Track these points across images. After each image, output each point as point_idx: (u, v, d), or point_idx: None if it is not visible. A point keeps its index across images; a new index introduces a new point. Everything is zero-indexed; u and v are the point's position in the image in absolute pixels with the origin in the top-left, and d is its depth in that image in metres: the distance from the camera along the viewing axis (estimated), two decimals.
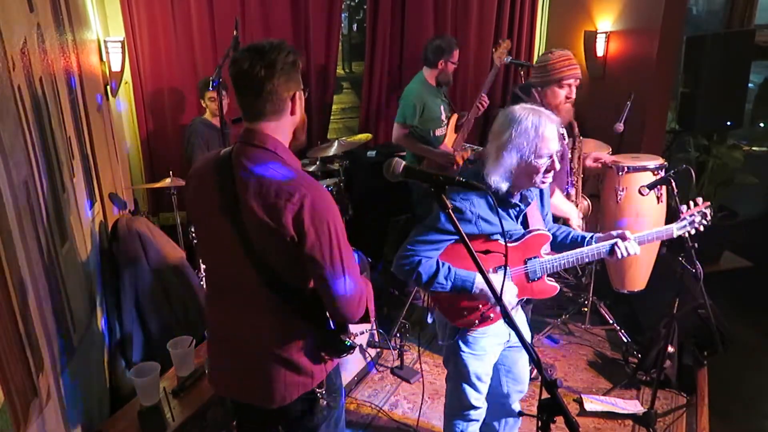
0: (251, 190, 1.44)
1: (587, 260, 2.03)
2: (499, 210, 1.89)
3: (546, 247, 1.98)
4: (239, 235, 1.47)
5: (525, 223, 1.97)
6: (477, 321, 1.98)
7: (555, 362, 3.30)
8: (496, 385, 2.28)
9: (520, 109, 1.85)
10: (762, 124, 5.08)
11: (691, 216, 2.22)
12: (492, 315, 1.97)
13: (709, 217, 2.24)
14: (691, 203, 2.26)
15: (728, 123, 4.14)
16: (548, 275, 2.01)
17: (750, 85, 4.29)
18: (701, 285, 2.61)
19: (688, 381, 3.03)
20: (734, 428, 2.91)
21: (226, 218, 1.48)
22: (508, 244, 1.90)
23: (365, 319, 1.59)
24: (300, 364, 1.59)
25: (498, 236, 1.89)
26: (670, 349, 2.93)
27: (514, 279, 1.96)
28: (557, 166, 1.82)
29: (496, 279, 1.87)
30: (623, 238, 1.99)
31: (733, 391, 3.09)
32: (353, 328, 1.68)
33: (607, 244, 2.01)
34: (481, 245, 1.89)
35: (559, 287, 2.06)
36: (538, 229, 1.93)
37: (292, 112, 1.52)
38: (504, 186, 1.85)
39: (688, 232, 2.24)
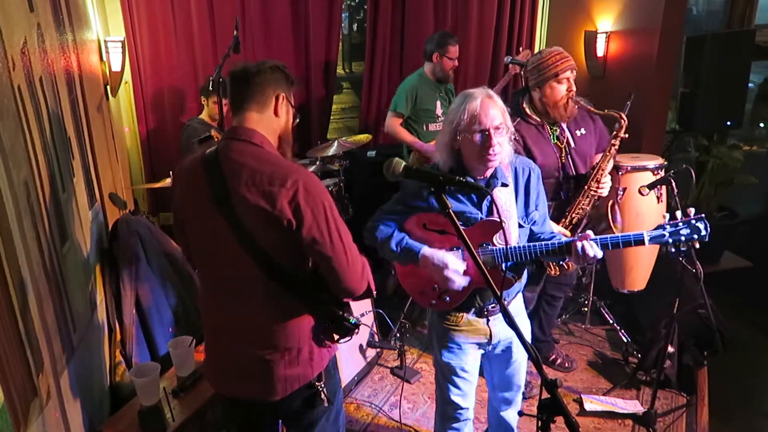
0: (243, 179, 1.48)
1: (540, 253, 1.92)
2: (458, 194, 1.93)
3: (501, 237, 1.93)
4: (232, 225, 1.50)
5: (491, 212, 1.94)
6: (433, 301, 2.01)
7: (558, 360, 3.30)
8: (490, 393, 2.29)
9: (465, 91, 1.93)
10: (762, 125, 5.09)
11: (673, 226, 1.91)
12: (448, 298, 1.98)
13: (703, 233, 1.89)
14: (678, 213, 1.93)
15: (728, 123, 4.14)
16: (507, 268, 1.98)
17: (750, 85, 4.29)
18: (701, 285, 2.61)
19: (688, 381, 3.02)
20: (734, 428, 2.91)
21: (218, 210, 1.51)
22: (462, 227, 1.90)
23: (368, 293, 1.64)
24: (299, 355, 1.62)
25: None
26: (670, 349, 2.93)
27: (468, 262, 1.93)
28: (494, 141, 1.81)
29: (451, 258, 1.89)
30: (584, 238, 1.87)
31: (733, 391, 3.09)
32: (355, 310, 1.72)
33: (563, 239, 1.93)
34: (437, 224, 1.93)
35: (516, 282, 1.98)
36: (492, 218, 1.91)
37: (276, 113, 1.60)
38: (449, 164, 1.92)
39: (672, 246, 1.94)
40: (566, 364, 3.26)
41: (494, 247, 1.93)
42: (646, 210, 3.27)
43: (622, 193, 3.26)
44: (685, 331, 3.02)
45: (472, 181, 1.89)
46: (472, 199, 1.94)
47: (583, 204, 2.74)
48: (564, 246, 1.91)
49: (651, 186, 2.74)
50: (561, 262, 2.57)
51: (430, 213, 1.93)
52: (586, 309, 3.67)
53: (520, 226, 1.99)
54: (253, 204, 1.46)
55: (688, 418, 2.85)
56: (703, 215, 1.90)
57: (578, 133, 2.78)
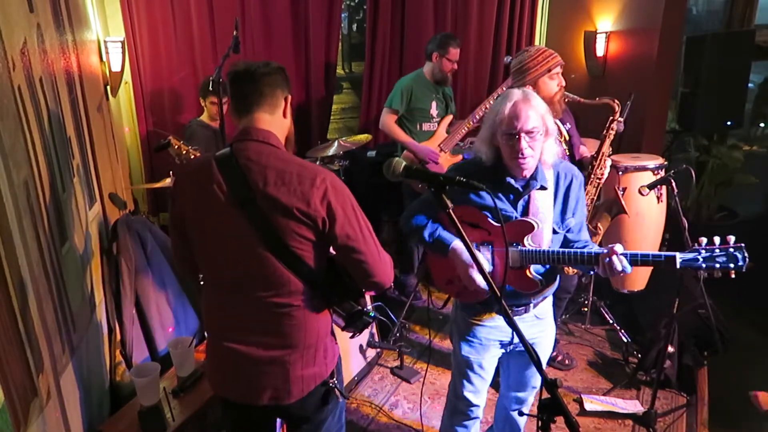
0: (271, 180, 1.47)
1: (567, 260, 1.87)
2: (498, 192, 1.91)
3: (532, 238, 1.92)
4: (256, 226, 1.48)
5: (526, 212, 1.93)
6: (456, 293, 2.02)
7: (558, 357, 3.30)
8: (502, 391, 2.30)
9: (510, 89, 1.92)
10: (762, 125, 5.09)
11: (708, 252, 1.75)
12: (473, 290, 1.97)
13: (740, 263, 1.73)
14: (717, 239, 1.75)
15: (728, 123, 4.14)
16: (533, 268, 1.95)
17: (750, 85, 4.29)
18: (701, 285, 2.61)
19: (688, 381, 3.03)
20: (734, 428, 2.91)
21: (238, 212, 1.49)
22: (494, 223, 1.90)
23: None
24: (316, 353, 1.61)
25: (488, 213, 1.91)
26: (670, 349, 2.93)
27: (496, 258, 1.94)
28: (523, 145, 1.78)
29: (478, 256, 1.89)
30: (613, 252, 1.76)
31: (733, 391, 3.09)
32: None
33: (593, 249, 1.87)
34: (472, 217, 1.92)
35: (538, 285, 1.94)
36: (526, 218, 1.90)
37: (285, 115, 1.59)
38: (491, 159, 1.89)
39: (703, 271, 1.79)
40: (566, 362, 3.26)
41: (523, 248, 1.90)
42: (646, 210, 3.27)
43: (622, 192, 3.26)
44: (685, 331, 3.02)
45: (475, 182, 1.88)
46: (509, 198, 1.92)
47: (590, 192, 2.78)
48: (592, 257, 1.83)
49: (651, 186, 2.75)
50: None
51: (463, 206, 1.91)
52: (586, 309, 3.67)
53: (555, 231, 1.96)
54: (285, 203, 1.45)
55: (688, 418, 2.85)
56: (743, 245, 1.74)
57: (566, 126, 2.86)
